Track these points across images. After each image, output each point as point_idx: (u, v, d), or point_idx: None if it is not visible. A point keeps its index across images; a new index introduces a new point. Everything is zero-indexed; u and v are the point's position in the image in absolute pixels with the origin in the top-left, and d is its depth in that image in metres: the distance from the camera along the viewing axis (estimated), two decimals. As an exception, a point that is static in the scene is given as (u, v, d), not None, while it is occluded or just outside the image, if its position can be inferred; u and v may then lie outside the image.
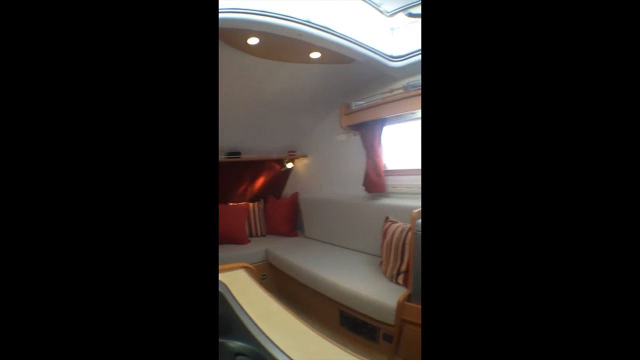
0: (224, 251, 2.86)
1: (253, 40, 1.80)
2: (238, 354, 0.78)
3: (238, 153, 3.21)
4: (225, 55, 1.96)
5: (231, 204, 3.39)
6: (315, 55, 2.06)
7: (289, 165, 3.65)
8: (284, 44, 1.80)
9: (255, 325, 0.84)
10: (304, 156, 3.55)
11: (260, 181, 3.65)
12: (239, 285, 1.14)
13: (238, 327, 0.86)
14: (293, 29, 1.30)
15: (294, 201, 3.44)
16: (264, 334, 0.80)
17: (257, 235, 3.38)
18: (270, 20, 1.23)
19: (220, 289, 1.08)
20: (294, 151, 3.57)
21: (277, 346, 0.75)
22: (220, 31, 1.68)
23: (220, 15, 1.07)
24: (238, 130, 3.00)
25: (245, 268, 1.35)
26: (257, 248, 3.00)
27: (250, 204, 3.43)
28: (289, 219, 3.42)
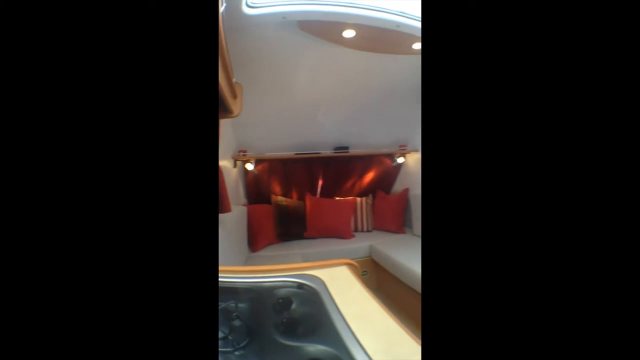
0: (326, 245, 2.94)
1: (349, 33, 1.79)
2: (313, 358, 0.78)
3: (346, 148, 3.25)
4: (320, 49, 1.97)
5: (337, 198, 3.46)
6: (417, 46, 1.94)
7: (400, 160, 3.52)
8: (382, 36, 1.75)
9: (348, 326, 0.82)
10: (416, 151, 3.39)
11: (369, 176, 3.62)
12: (339, 283, 1.12)
13: (326, 328, 0.85)
14: (390, 20, 1.25)
15: (404, 197, 3.34)
16: (354, 336, 0.78)
17: (362, 231, 3.38)
18: (366, 13, 1.20)
19: (316, 286, 1.08)
20: (404, 145, 3.45)
21: (364, 349, 0.72)
22: (311, 24, 1.71)
23: (312, 8, 1.08)
24: (345, 124, 3.02)
25: (349, 265, 1.31)
26: (361, 243, 3.00)
27: (358, 199, 3.44)
28: (397, 216, 3.33)
